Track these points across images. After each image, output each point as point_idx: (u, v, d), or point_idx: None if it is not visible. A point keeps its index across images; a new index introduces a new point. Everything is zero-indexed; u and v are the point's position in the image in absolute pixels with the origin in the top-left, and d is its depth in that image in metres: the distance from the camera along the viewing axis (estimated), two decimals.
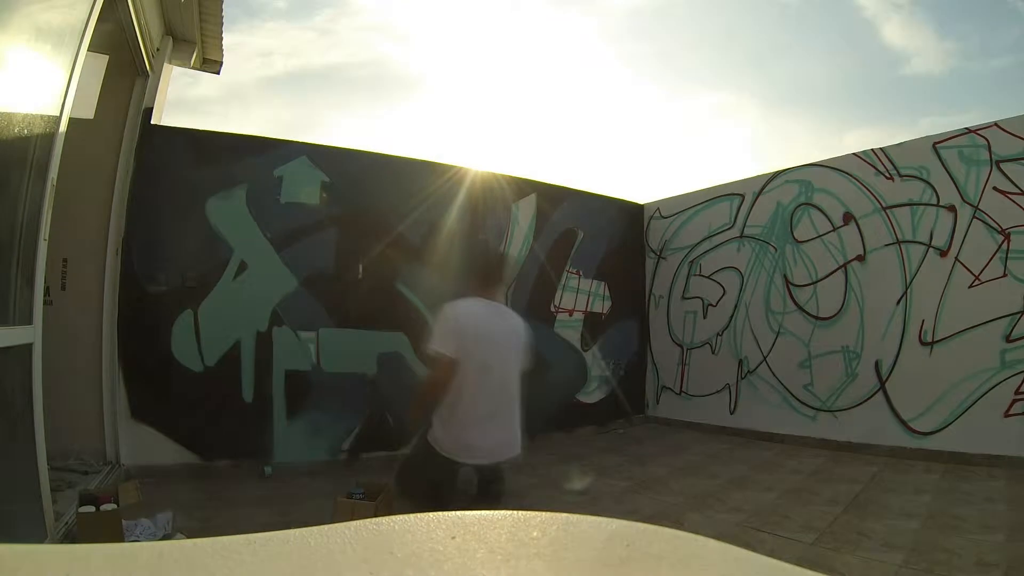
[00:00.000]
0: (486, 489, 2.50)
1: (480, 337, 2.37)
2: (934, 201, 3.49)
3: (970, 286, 3.31)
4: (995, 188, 3.26)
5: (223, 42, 3.71)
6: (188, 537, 2.05)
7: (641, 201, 5.34)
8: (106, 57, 2.72)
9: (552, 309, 4.46)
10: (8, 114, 1.77)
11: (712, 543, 0.44)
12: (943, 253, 3.43)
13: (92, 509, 1.95)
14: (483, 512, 0.50)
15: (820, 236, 4.02)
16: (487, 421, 2.35)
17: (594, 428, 4.56)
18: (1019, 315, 3.11)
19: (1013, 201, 3.19)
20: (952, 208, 3.41)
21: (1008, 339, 3.13)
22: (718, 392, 4.56)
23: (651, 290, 5.20)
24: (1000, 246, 3.22)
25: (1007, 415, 3.09)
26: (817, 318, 3.98)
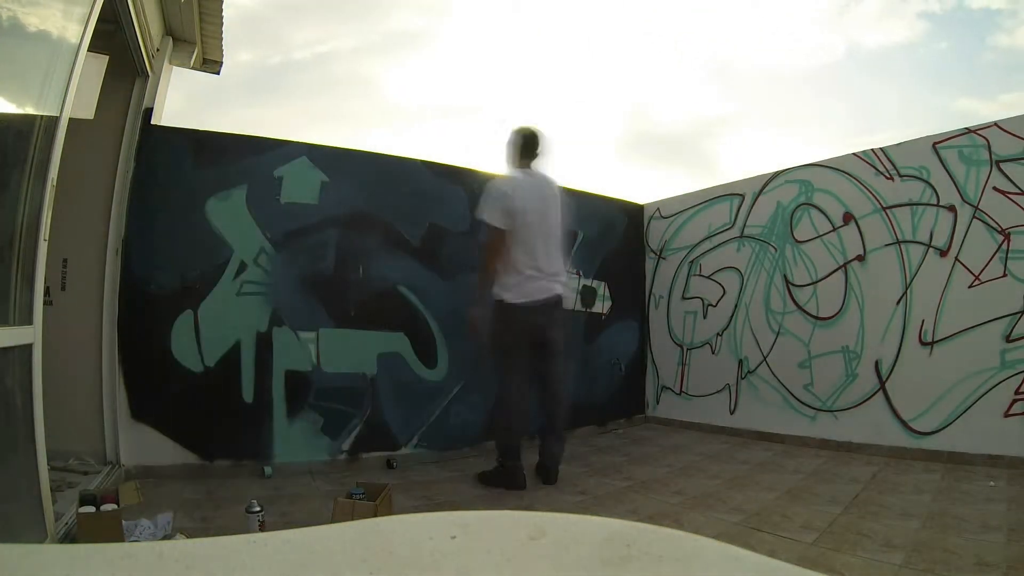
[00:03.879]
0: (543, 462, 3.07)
1: (525, 208, 2.96)
2: (934, 201, 3.49)
3: (970, 286, 3.31)
4: (995, 188, 3.25)
5: (223, 42, 3.71)
6: (188, 537, 2.05)
7: (641, 201, 5.34)
8: (106, 57, 2.72)
9: None
10: (8, 114, 1.77)
11: (712, 543, 0.44)
12: (943, 253, 3.43)
13: (92, 509, 1.95)
14: (483, 512, 0.50)
15: (820, 236, 4.01)
16: (537, 270, 2.97)
17: (594, 428, 4.56)
18: (1019, 315, 3.11)
19: (1013, 201, 3.19)
20: (952, 208, 3.41)
21: (1008, 339, 3.13)
22: (718, 392, 4.56)
23: (651, 290, 5.20)
24: (1000, 246, 3.22)
25: (1007, 415, 3.09)
26: (817, 318, 3.98)
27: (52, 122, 1.84)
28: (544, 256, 3.01)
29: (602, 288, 4.83)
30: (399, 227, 3.69)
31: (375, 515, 2.09)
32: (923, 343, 3.46)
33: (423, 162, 3.87)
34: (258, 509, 2.08)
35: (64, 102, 1.85)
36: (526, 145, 3.15)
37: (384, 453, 3.50)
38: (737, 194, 4.58)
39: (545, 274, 3.00)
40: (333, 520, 2.11)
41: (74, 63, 1.88)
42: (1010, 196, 3.20)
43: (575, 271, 4.62)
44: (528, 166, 3.16)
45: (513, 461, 2.98)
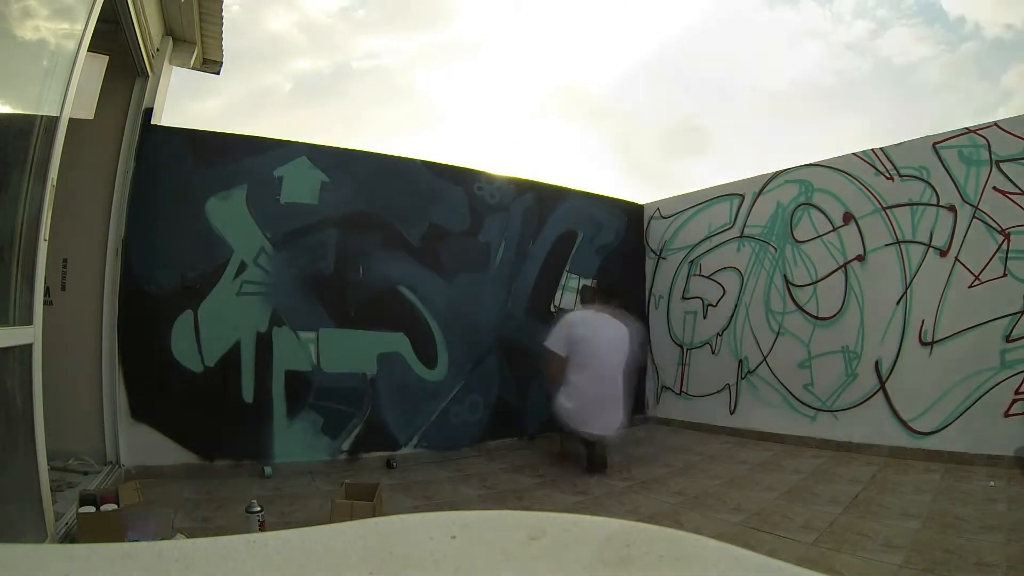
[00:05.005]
0: (592, 458, 3.38)
1: (587, 339, 3.42)
2: (934, 201, 3.49)
3: (970, 286, 3.31)
4: (995, 188, 3.25)
5: (223, 42, 3.71)
6: (188, 537, 2.05)
7: (641, 201, 5.34)
8: (106, 57, 2.72)
9: (552, 310, 4.46)
10: (8, 114, 1.77)
11: (712, 543, 0.44)
12: (943, 253, 3.43)
13: (92, 509, 1.95)
14: (483, 512, 0.50)
15: (820, 236, 4.01)
16: (595, 404, 3.36)
17: None
18: (1019, 315, 3.11)
19: (1013, 201, 3.19)
20: (952, 208, 3.41)
21: (1008, 339, 3.13)
22: (718, 392, 4.55)
23: (651, 290, 5.20)
24: (1000, 246, 3.22)
25: (1007, 415, 3.09)
26: (817, 318, 3.98)
27: (52, 122, 1.84)
28: (602, 382, 3.42)
29: None
30: (399, 227, 3.69)
31: (374, 515, 2.09)
32: (923, 343, 3.46)
33: (423, 162, 3.87)
34: (258, 509, 2.08)
35: (64, 102, 1.85)
36: (598, 293, 4.00)
37: (384, 453, 3.50)
38: (737, 194, 4.57)
39: (604, 398, 3.40)
40: (332, 520, 2.11)
41: (74, 63, 1.88)
42: (1010, 196, 3.20)
43: (574, 272, 4.62)
44: (599, 307, 3.71)
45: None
